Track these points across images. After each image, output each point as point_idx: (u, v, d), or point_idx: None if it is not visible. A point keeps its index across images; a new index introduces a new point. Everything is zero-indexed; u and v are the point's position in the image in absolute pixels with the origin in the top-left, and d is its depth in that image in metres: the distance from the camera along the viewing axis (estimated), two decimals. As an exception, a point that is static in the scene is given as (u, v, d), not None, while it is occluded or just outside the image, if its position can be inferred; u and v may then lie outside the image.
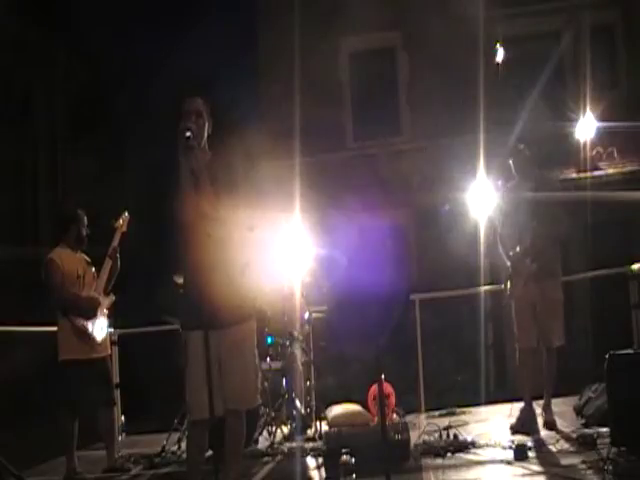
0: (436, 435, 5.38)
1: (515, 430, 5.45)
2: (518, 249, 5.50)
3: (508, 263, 5.58)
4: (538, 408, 5.62)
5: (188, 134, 3.73)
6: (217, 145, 4.02)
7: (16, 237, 14.25)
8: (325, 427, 5.94)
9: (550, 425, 5.42)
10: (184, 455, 5.54)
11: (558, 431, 5.31)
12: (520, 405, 5.63)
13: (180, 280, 4.17)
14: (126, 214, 5.65)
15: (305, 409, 6.33)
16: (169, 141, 3.89)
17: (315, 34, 12.00)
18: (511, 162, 5.74)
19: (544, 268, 5.44)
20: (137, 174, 13.86)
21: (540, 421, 5.51)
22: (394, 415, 6.19)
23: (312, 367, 6.69)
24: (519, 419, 5.53)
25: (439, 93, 12.20)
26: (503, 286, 5.75)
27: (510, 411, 5.70)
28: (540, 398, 5.63)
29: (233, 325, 3.80)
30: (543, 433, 5.32)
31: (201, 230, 3.64)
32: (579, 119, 11.55)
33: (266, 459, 5.53)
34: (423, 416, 6.90)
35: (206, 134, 3.94)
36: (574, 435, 5.01)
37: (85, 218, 5.64)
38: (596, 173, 11.85)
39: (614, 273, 7.14)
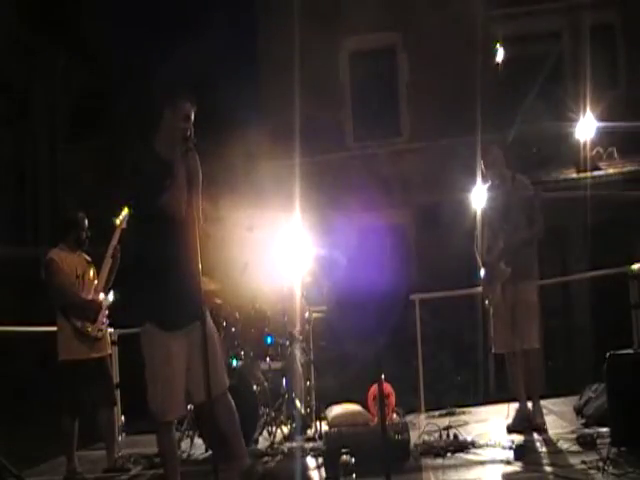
0: (436, 435, 5.38)
1: (510, 429, 5.45)
2: (492, 252, 5.50)
3: (482, 269, 5.59)
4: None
5: (189, 134, 3.78)
6: (217, 145, 4.04)
7: (16, 237, 14.25)
8: (325, 427, 5.94)
9: (538, 427, 5.36)
10: (183, 455, 5.56)
11: (555, 430, 5.31)
12: (517, 405, 5.64)
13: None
14: (125, 212, 5.64)
15: (305, 409, 6.33)
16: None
17: (315, 34, 11.99)
18: (482, 162, 5.74)
19: (519, 270, 5.40)
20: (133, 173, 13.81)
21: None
22: (394, 415, 6.18)
23: (312, 367, 6.69)
24: (514, 418, 5.54)
25: (439, 93, 12.21)
26: (481, 288, 5.77)
27: (507, 411, 5.70)
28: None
29: (207, 316, 3.90)
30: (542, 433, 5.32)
31: (194, 228, 3.65)
32: (579, 119, 11.54)
33: (266, 459, 5.53)
34: (423, 416, 6.90)
35: None
36: (574, 435, 5.00)
37: (86, 221, 5.62)
38: (596, 173, 11.85)
39: (614, 273, 7.14)
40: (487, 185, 5.74)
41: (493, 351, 5.67)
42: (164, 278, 3.81)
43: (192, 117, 3.94)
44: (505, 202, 5.47)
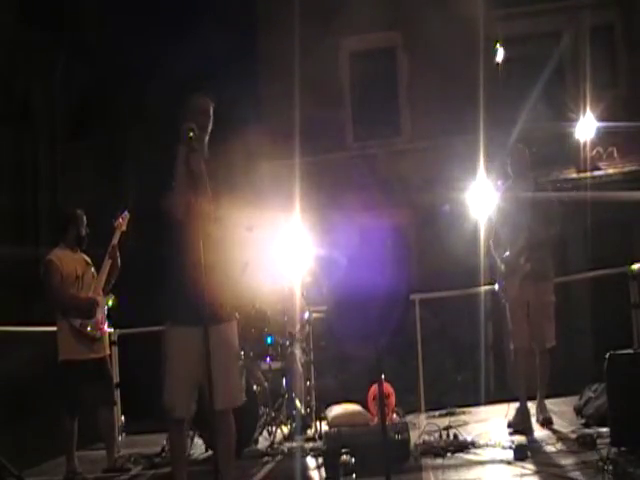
0: (436, 435, 5.38)
1: (512, 427, 5.46)
2: (511, 249, 5.53)
3: (502, 265, 5.60)
4: (533, 408, 5.64)
5: (191, 134, 3.75)
6: (217, 145, 4.03)
7: (16, 237, 14.24)
8: (325, 427, 5.94)
9: (547, 422, 5.45)
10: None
11: (555, 430, 5.33)
12: (515, 405, 5.64)
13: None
14: (126, 213, 5.64)
15: (305, 409, 6.33)
16: (169, 141, 3.89)
17: (315, 34, 11.99)
18: (509, 161, 5.76)
19: (537, 269, 5.47)
20: (137, 174, 13.86)
21: (535, 420, 5.53)
22: (394, 415, 6.19)
23: (312, 367, 6.69)
24: (514, 417, 5.55)
25: (439, 93, 12.20)
26: (497, 286, 5.78)
27: (507, 411, 5.71)
28: (535, 398, 5.65)
29: (224, 322, 3.82)
30: (542, 433, 5.32)
31: (200, 229, 3.64)
32: (579, 119, 11.55)
33: (266, 459, 5.53)
34: (423, 416, 6.90)
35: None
36: (574, 435, 5.01)
37: (84, 218, 5.63)
38: (596, 173, 11.86)
39: (614, 273, 7.14)
40: (508, 183, 5.74)
41: (512, 347, 5.67)
42: (173, 278, 3.80)
43: (211, 112, 3.93)
44: (530, 200, 5.50)
